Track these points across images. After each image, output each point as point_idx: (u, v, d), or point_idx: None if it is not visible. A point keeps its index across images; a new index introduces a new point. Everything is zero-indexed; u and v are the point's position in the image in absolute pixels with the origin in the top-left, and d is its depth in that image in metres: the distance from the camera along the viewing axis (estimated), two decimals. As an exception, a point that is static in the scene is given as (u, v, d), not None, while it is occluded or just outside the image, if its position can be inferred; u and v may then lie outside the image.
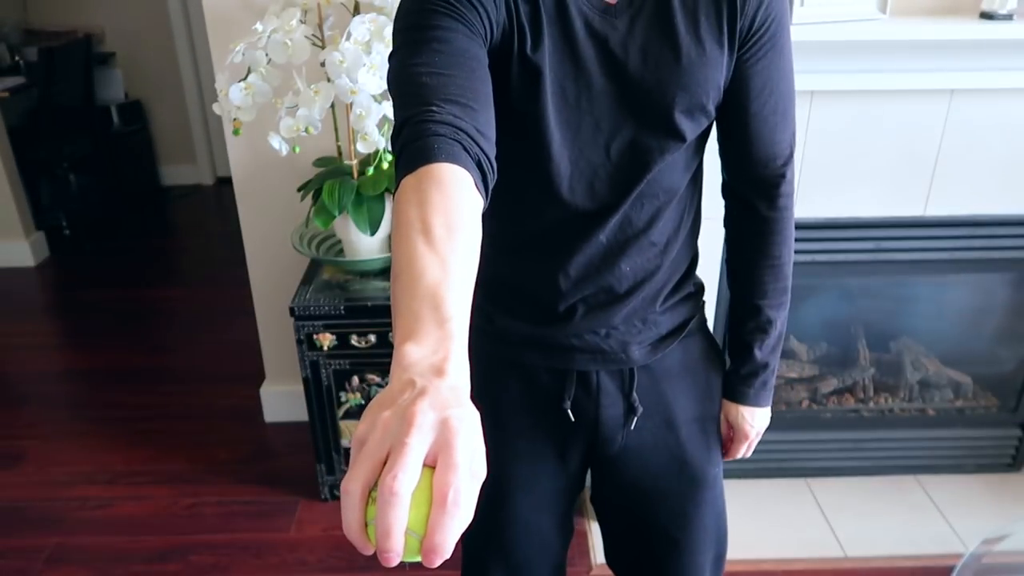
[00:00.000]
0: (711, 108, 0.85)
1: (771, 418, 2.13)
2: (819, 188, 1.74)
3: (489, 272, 0.98)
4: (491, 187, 0.69)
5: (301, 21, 1.56)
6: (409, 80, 0.72)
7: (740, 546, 1.90)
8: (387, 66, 0.78)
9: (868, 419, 2.09)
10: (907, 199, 1.77)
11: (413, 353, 0.49)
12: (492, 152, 0.70)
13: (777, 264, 1.00)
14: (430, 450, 0.43)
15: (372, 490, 0.43)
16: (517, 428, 1.03)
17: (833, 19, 1.51)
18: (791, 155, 0.93)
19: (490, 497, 1.06)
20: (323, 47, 1.64)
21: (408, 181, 0.63)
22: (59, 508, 2.08)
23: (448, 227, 0.58)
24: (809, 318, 2.09)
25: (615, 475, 1.04)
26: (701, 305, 1.05)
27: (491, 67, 0.77)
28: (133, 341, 2.95)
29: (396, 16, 0.79)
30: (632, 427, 1.00)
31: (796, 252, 1.87)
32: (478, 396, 1.09)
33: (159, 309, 3.25)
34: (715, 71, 0.83)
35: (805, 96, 1.65)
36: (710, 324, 1.85)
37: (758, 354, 1.01)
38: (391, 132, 0.72)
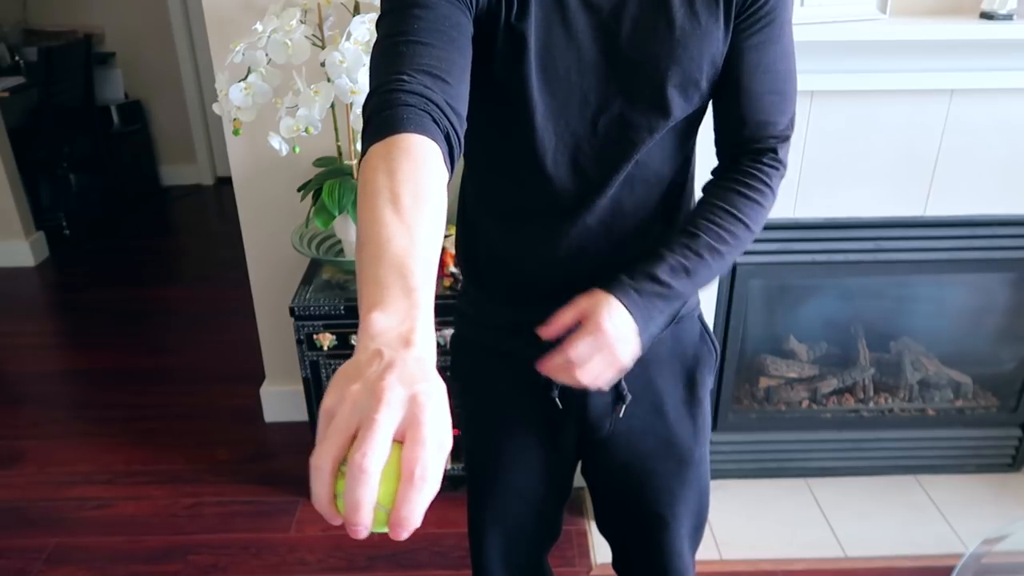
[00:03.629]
0: (705, 84, 0.84)
1: (771, 418, 2.14)
2: (819, 188, 1.74)
3: (476, 256, 0.99)
4: (456, 161, 0.69)
5: (301, 21, 1.56)
6: (386, 50, 0.71)
7: (740, 546, 1.90)
8: None
9: (868, 419, 2.08)
10: (907, 199, 1.77)
11: (380, 322, 0.49)
12: (460, 127, 0.69)
13: (737, 218, 0.88)
14: (399, 426, 0.43)
15: (342, 464, 0.43)
16: (508, 410, 1.04)
17: (833, 19, 1.51)
18: (787, 139, 0.90)
19: (487, 470, 1.10)
20: (323, 47, 1.64)
21: (376, 149, 0.63)
22: (59, 508, 2.08)
23: (416, 197, 0.58)
24: (809, 318, 2.09)
25: (604, 457, 1.06)
26: None
27: (477, 34, 0.76)
28: (133, 341, 2.95)
29: None
30: (620, 415, 1.00)
31: (796, 252, 1.89)
32: (468, 380, 1.09)
33: (159, 309, 3.25)
34: (710, 45, 0.82)
35: (805, 96, 1.65)
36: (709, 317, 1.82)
37: (666, 263, 0.85)
38: (363, 100, 0.71)
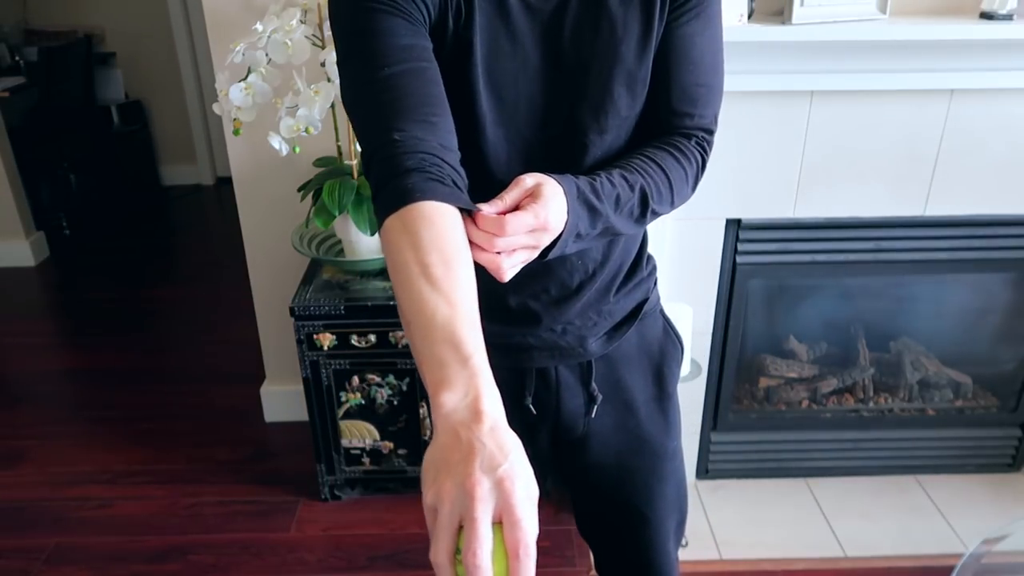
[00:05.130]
0: (648, 77, 0.84)
1: (771, 418, 2.14)
2: (819, 188, 1.74)
3: None
4: (466, 190, 0.71)
5: (301, 21, 1.56)
6: (365, 100, 0.73)
7: (740, 546, 1.90)
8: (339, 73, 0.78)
9: (868, 419, 2.08)
10: (907, 199, 1.77)
11: (448, 401, 0.55)
12: (458, 158, 0.72)
13: (667, 179, 0.85)
14: (494, 511, 0.51)
15: (456, 552, 0.51)
16: None
17: (833, 19, 1.51)
18: (711, 133, 0.89)
19: None
20: (323, 47, 1.64)
21: (393, 223, 0.66)
22: (59, 508, 2.08)
23: (445, 263, 0.62)
24: (809, 318, 2.09)
25: (580, 457, 1.06)
26: (654, 284, 1.04)
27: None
28: (133, 341, 2.95)
29: (330, 14, 0.78)
30: (593, 415, 1.01)
31: (796, 252, 1.89)
32: None
33: (159, 309, 3.25)
34: (648, 39, 0.82)
35: (805, 96, 1.65)
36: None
37: (607, 185, 0.80)
38: (360, 156, 0.72)
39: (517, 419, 1.02)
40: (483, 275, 0.91)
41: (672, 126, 0.87)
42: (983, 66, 1.59)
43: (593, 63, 0.82)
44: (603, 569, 1.20)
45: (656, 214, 0.86)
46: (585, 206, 0.78)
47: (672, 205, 0.87)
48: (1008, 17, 1.53)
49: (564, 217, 0.75)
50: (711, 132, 0.89)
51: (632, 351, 1.01)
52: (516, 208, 0.74)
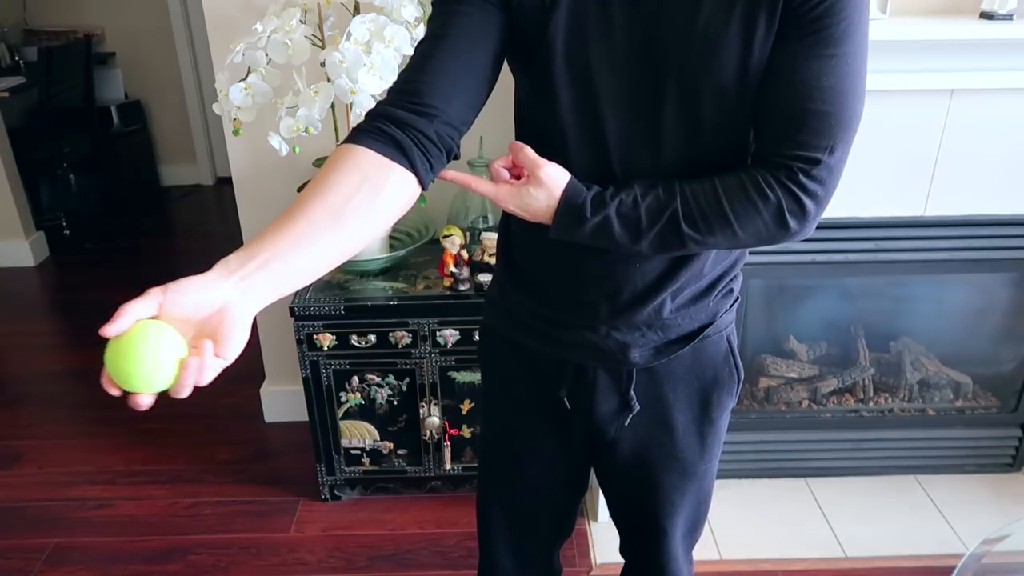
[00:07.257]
0: (745, 91, 0.78)
1: (771, 418, 2.14)
2: (819, 188, 1.74)
3: (508, 238, 1.00)
4: (432, 167, 0.77)
5: (301, 21, 1.56)
6: (412, 56, 0.81)
7: (740, 546, 1.90)
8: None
9: (868, 419, 2.08)
10: (907, 199, 1.77)
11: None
12: (438, 140, 0.76)
13: (714, 200, 0.80)
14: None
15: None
16: (522, 400, 1.06)
17: (833, 19, 1.51)
18: (816, 163, 0.79)
19: (498, 453, 1.13)
20: (323, 47, 1.64)
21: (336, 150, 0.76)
22: (59, 508, 2.08)
23: (307, 207, 0.71)
24: (809, 318, 2.09)
25: (610, 460, 1.07)
26: (727, 308, 0.99)
27: (512, 27, 0.80)
28: (133, 341, 2.95)
29: None
30: (626, 423, 1.00)
31: (796, 252, 1.88)
32: (490, 369, 1.11)
33: (159, 309, 3.25)
34: (750, 50, 0.76)
35: (805, 96, 1.65)
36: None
37: (627, 209, 0.80)
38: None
39: (553, 410, 1.03)
40: (549, 253, 0.92)
41: (767, 152, 0.80)
42: (983, 66, 1.59)
43: (679, 64, 0.77)
44: (624, 553, 1.23)
45: (702, 243, 0.81)
46: (579, 223, 0.81)
47: (736, 238, 0.81)
48: (1008, 17, 1.53)
49: (546, 218, 0.82)
50: (815, 163, 0.78)
51: (681, 370, 0.98)
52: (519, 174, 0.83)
